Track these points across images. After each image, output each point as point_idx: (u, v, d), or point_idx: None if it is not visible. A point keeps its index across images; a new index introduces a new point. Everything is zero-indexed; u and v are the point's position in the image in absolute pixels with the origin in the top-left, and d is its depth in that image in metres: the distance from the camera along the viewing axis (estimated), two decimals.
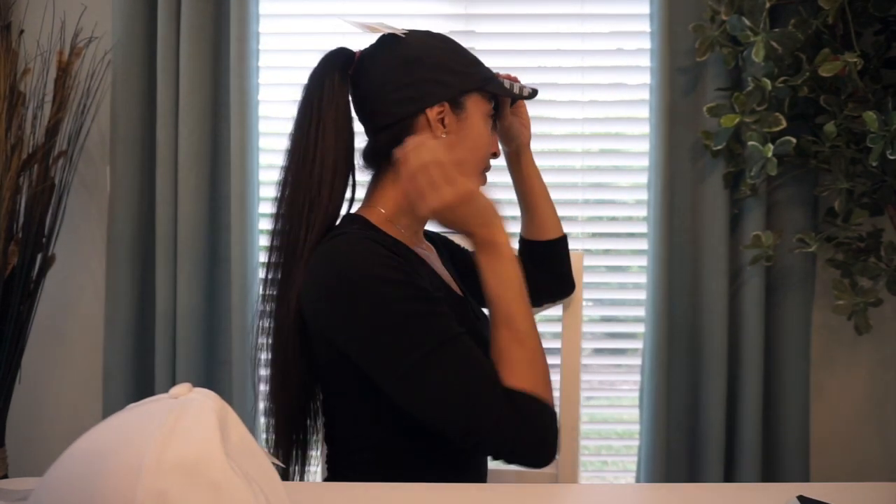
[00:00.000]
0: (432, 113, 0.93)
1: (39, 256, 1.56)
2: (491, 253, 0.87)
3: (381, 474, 0.89)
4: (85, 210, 1.70)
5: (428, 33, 0.98)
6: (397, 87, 0.93)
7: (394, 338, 0.81)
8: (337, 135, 0.93)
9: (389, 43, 0.95)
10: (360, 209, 0.97)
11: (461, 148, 0.95)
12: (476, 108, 0.96)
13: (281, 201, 0.93)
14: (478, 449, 0.85)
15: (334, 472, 0.95)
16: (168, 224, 1.56)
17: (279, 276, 0.93)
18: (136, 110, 1.60)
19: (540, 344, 0.87)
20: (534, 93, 1.02)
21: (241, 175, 1.55)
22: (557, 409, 1.22)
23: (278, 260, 0.93)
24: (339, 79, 0.94)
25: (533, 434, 0.80)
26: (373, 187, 0.98)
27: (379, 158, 0.96)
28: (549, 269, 1.18)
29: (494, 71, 1.02)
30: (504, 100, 1.04)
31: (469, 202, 0.86)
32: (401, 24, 1.76)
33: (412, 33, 0.96)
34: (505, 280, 0.87)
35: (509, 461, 0.83)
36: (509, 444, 0.80)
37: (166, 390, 0.49)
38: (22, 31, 1.63)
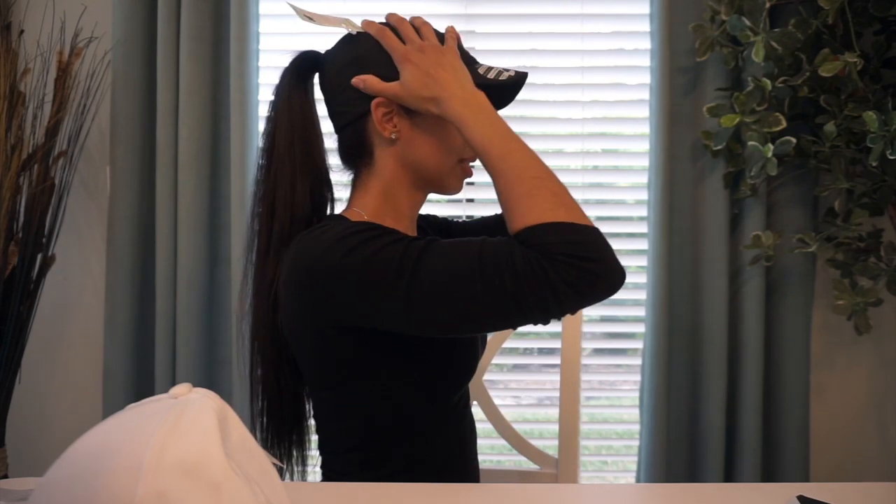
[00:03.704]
0: (377, 113, 0.88)
1: (39, 256, 1.56)
2: (449, 113, 0.83)
3: (370, 475, 0.88)
4: (85, 210, 1.70)
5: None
6: (348, 86, 0.89)
7: (377, 275, 0.77)
8: (294, 137, 0.90)
9: (346, 41, 0.93)
10: (342, 211, 0.95)
11: (416, 148, 0.90)
12: None
13: (255, 199, 0.93)
14: (538, 314, 0.74)
15: (327, 476, 0.95)
16: (168, 224, 1.56)
17: (253, 275, 0.92)
18: (136, 110, 1.60)
19: (539, 168, 0.78)
20: (518, 76, 0.91)
21: (241, 175, 1.55)
22: (557, 410, 1.22)
23: (251, 259, 0.93)
24: (296, 82, 0.93)
25: (564, 268, 0.71)
26: (352, 189, 0.96)
27: (349, 159, 0.94)
28: None
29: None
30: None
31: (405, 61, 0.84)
32: None
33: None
34: (472, 128, 0.81)
35: (574, 305, 0.73)
36: (550, 291, 0.71)
37: (166, 390, 0.49)
38: (22, 31, 1.63)
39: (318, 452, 0.97)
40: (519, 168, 0.78)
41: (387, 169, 0.92)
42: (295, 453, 0.97)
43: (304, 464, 0.98)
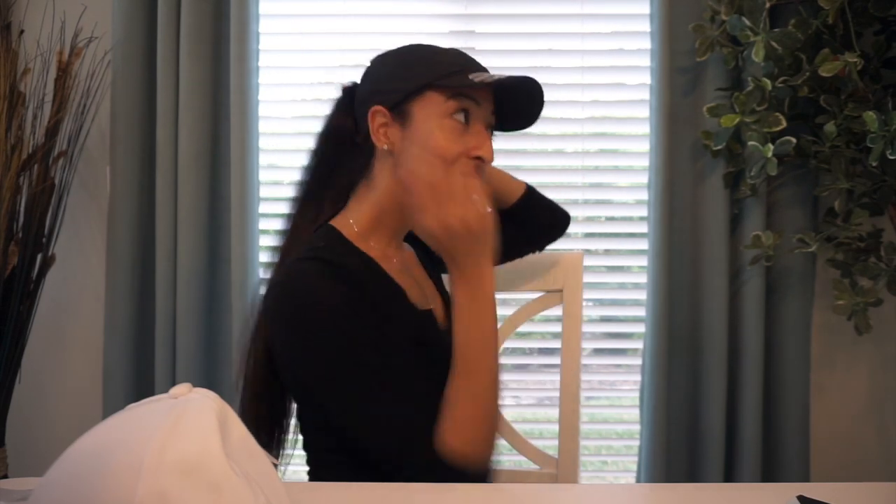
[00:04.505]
0: (374, 123, 0.92)
1: (39, 256, 1.56)
2: (472, 286, 0.85)
3: (353, 476, 0.88)
4: (85, 210, 1.70)
5: (399, 47, 0.98)
6: (359, 105, 0.96)
7: (334, 375, 0.84)
8: (334, 161, 0.98)
9: (368, 67, 0.99)
10: (338, 217, 0.97)
11: (408, 156, 0.92)
12: (427, 109, 0.91)
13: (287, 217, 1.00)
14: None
15: (312, 475, 0.96)
16: (168, 224, 1.56)
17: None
18: (136, 110, 1.59)
19: (496, 397, 0.85)
20: (510, 79, 0.91)
21: (241, 175, 1.55)
22: (557, 410, 1.23)
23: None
24: (337, 107, 1.00)
25: (455, 477, 0.81)
26: (353, 196, 0.98)
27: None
28: (530, 222, 1.15)
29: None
30: (476, 94, 0.93)
31: (475, 231, 0.83)
32: (401, 25, 1.76)
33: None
34: (476, 324, 0.85)
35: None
36: (432, 477, 0.81)
37: (166, 390, 0.49)
38: (22, 31, 1.63)
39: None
40: (479, 389, 0.84)
41: (382, 182, 0.95)
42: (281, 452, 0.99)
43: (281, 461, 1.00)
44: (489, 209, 0.85)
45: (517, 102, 0.97)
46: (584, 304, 1.26)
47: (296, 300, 0.86)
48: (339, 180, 0.98)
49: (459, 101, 0.91)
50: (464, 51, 0.97)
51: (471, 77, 0.90)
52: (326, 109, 1.01)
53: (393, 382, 0.84)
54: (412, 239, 1.08)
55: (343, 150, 0.98)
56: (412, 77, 0.92)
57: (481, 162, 0.93)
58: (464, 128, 0.92)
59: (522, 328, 1.30)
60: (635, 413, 1.63)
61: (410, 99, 0.92)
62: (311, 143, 1.01)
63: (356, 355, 0.84)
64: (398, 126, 0.92)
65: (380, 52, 0.98)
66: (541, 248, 1.20)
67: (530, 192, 1.14)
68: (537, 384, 1.81)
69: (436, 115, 0.91)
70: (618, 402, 1.76)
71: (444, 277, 1.13)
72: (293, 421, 0.99)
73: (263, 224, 1.64)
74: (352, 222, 0.95)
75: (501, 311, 1.62)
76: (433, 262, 1.11)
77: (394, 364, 0.85)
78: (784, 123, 1.38)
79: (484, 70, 0.95)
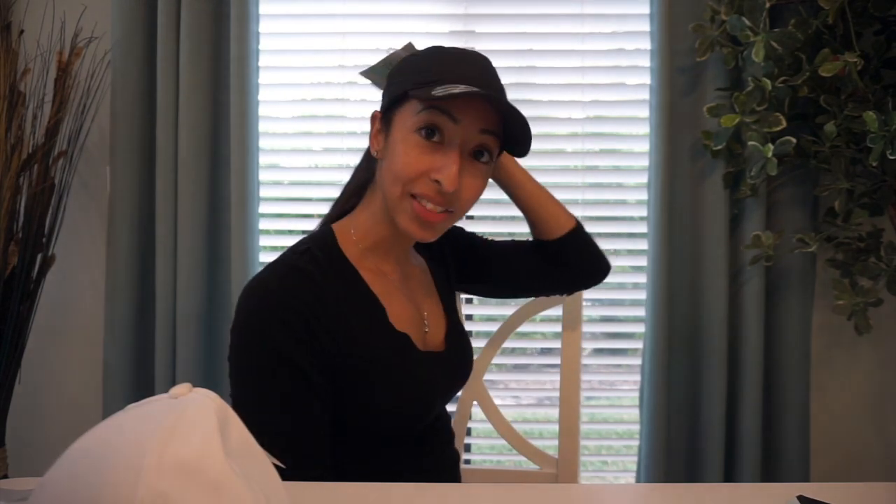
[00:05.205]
0: (372, 128, 0.92)
1: (39, 256, 1.56)
2: None
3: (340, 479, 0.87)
4: (85, 210, 1.70)
5: (422, 50, 0.93)
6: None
7: (245, 389, 0.84)
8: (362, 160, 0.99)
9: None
10: (344, 219, 0.96)
11: (384, 167, 0.89)
12: (402, 120, 0.86)
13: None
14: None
15: None
16: (168, 224, 1.56)
17: None
18: (136, 110, 1.60)
19: None
20: (468, 94, 0.79)
21: (241, 175, 1.55)
22: (557, 410, 1.22)
23: None
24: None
25: None
26: (361, 201, 0.97)
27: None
28: (569, 263, 1.09)
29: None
30: (455, 111, 0.83)
31: None
32: (401, 25, 1.75)
33: None
34: None
35: None
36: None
37: (166, 390, 0.49)
38: (22, 31, 1.63)
39: None
40: None
41: (379, 189, 0.92)
42: None
43: None
44: None
45: (511, 128, 0.87)
46: (584, 304, 1.26)
47: (247, 308, 0.84)
48: (354, 180, 0.98)
49: (430, 114, 0.83)
50: (480, 62, 0.88)
51: (436, 90, 0.80)
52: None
53: (294, 416, 0.82)
54: (435, 257, 1.06)
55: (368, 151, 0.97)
56: (399, 83, 0.88)
57: (439, 186, 0.83)
58: (434, 145, 0.84)
59: (522, 328, 1.30)
60: (635, 413, 1.63)
61: (394, 106, 0.88)
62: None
63: (269, 383, 0.82)
64: (384, 134, 0.89)
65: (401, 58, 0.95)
66: (570, 292, 1.17)
67: (578, 230, 1.08)
68: (537, 384, 1.81)
69: (405, 128, 0.85)
70: (618, 402, 1.76)
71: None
72: None
73: (263, 224, 1.65)
74: (352, 231, 0.93)
75: (501, 312, 1.63)
76: (450, 282, 1.08)
77: (308, 402, 0.83)
78: (784, 123, 1.38)
79: (476, 85, 0.83)
